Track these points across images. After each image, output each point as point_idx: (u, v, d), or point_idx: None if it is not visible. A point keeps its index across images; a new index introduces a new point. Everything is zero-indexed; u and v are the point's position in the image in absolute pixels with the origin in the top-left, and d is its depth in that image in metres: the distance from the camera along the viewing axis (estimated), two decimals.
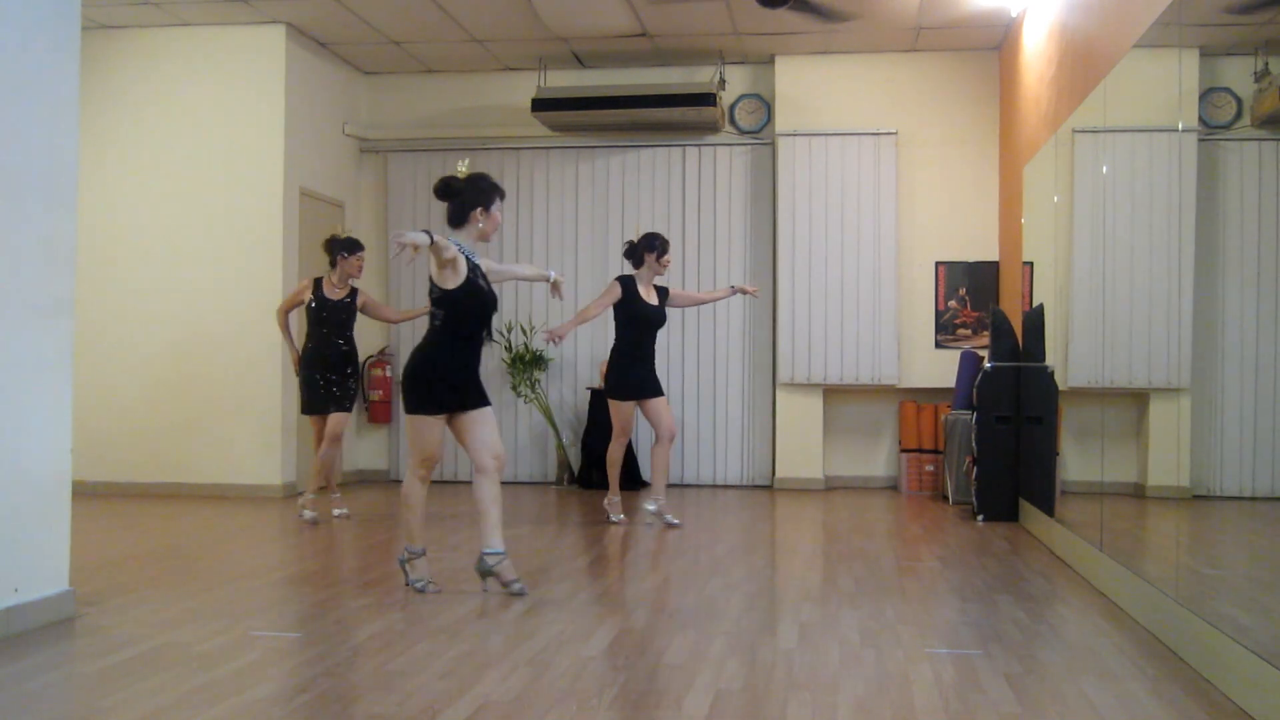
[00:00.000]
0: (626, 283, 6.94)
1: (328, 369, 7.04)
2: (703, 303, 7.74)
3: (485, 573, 4.82)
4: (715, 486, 9.21)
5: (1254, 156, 3.93)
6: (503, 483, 4.91)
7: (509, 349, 9.26)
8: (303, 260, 8.59)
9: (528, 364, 9.17)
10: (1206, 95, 4.07)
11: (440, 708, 3.27)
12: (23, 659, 3.82)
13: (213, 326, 8.42)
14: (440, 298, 4.78)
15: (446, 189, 4.84)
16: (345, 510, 7.24)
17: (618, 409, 7.08)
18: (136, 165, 8.58)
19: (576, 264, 9.46)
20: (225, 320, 8.39)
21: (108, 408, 8.39)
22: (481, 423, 4.84)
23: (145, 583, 5.12)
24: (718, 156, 9.34)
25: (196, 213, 8.48)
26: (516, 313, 9.48)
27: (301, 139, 8.68)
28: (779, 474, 9.09)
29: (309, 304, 7.05)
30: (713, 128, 9.20)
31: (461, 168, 4.89)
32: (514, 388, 9.28)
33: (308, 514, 7.03)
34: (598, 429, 8.99)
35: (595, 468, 8.98)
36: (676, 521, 7.03)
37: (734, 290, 7.37)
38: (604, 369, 7.24)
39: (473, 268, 4.80)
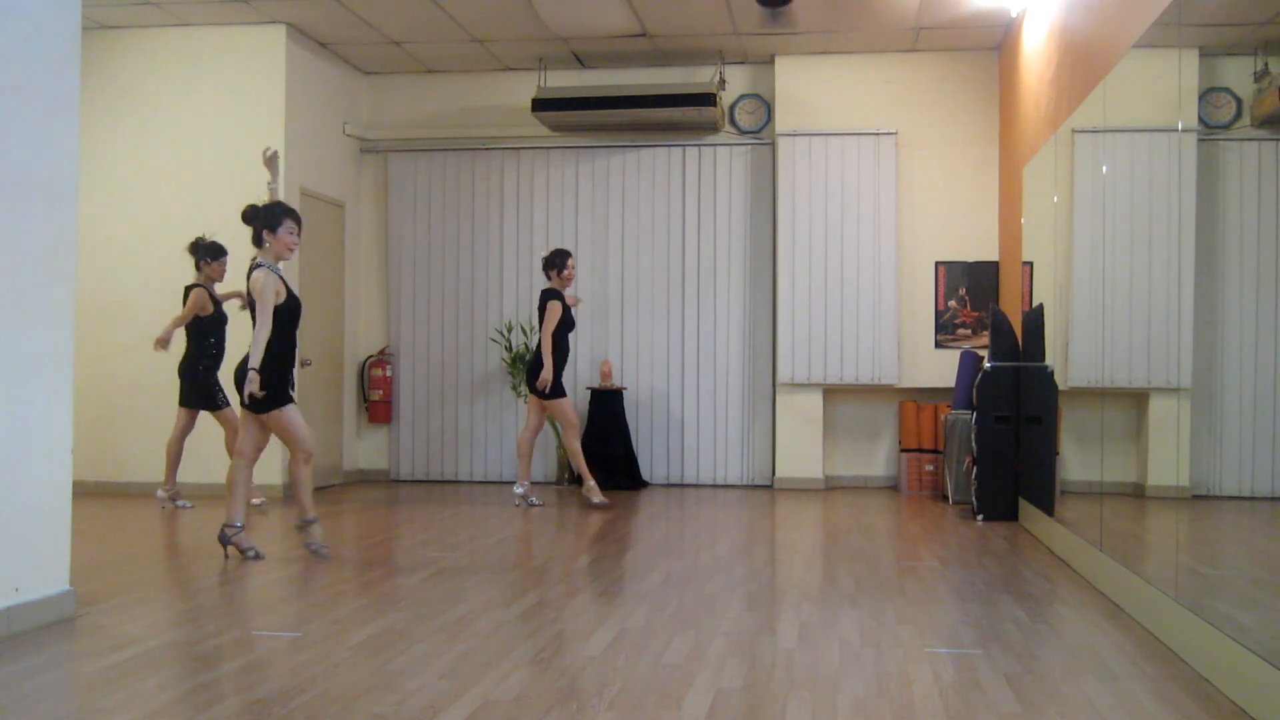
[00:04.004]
0: (558, 296, 7.62)
1: (216, 370, 7.52)
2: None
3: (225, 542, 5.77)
4: (715, 486, 9.22)
5: (1254, 156, 3.93)
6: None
7: (509, 349, 9.26)
8: (303, 261, 8.59)
9: (528, 364, 9.16)
10: (1206, 95, 4.07)
11: (440, 708, 3.27)
12: (23, 659, 3.82)
13: None
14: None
15: (246, 216, 5.70)
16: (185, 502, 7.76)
17: (566, 405, 7.69)
18: (137, 165, 8.58)
19: (576, 264, 9.44)
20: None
21: (108, 408, 8.39)
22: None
23: (145, 583, 5.13)
24: (718, 156, 9.34)
25: (197, 213, 8.46)
26: (517, 313, 9.49)
27: (301, 139, 8.68)
28: (779, 474, 9.09)
29: (212, 313, 7.46)
30: (713, 128, 9.20)
31: (266, 155, 5.93)
32: (514, 388, 9.29)
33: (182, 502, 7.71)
34: (598, 429, 9.00)
35: (595, 467, 8.97)
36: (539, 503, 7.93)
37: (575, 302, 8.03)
38: (546, 375, 7.59)
39: (287, 283, 5.63)
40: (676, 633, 4.20)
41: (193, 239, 7.52)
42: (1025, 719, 3.22)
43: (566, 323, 7.67)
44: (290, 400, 5.67)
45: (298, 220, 5.73)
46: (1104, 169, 5.55)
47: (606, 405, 9.02)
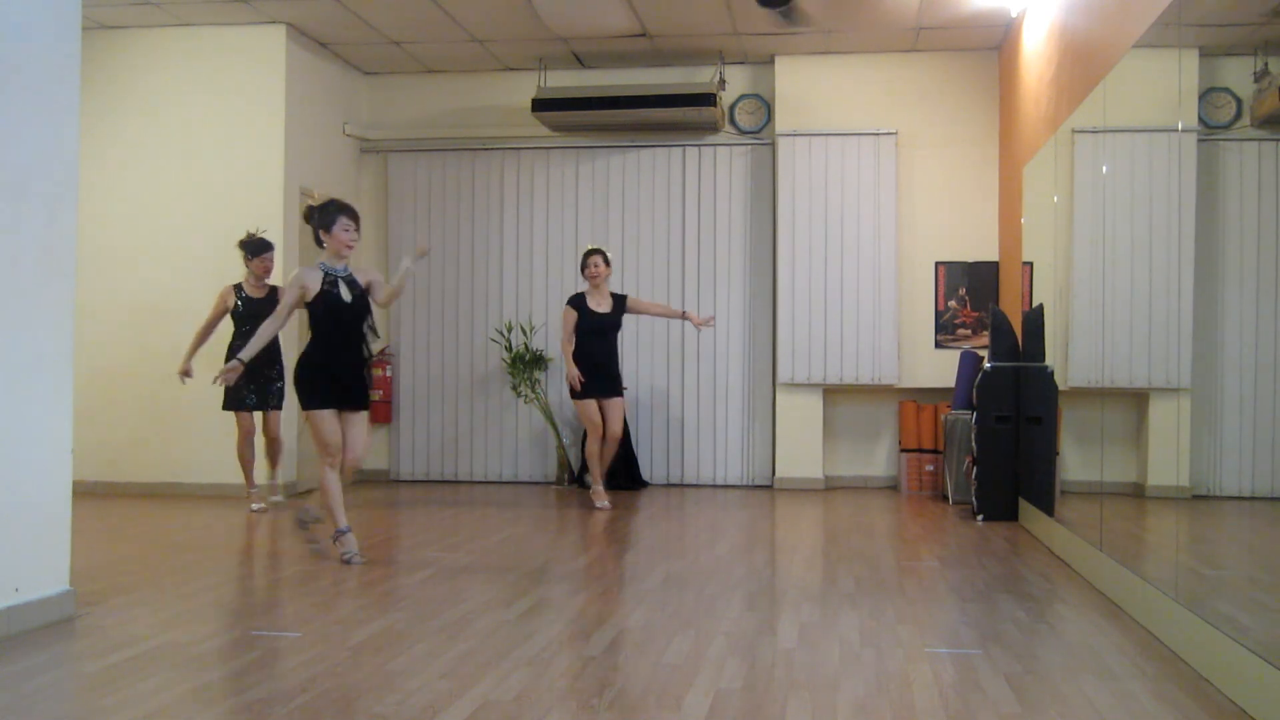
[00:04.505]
0: (573, 301, 7.74)
1: (264, 367, 7.41)
2: (654, 314, 8.29)
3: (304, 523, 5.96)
4: (715, 486, 9.21)
5: (1254, 156, 3.93)
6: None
7: (509, 349, 9.26)
8: (303, 260, 8.58)
9: (528, 364, 9.17)
10: (1206, 95, 4.07)
11: (440, 708, 3.27)
12: (23, 659, 3.82)
13: None
14: (307, 310, 5.61)
15: (304, 216, 5.77)
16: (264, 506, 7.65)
17: (586, 408, 7.72)
18: (137, 165, 8.58)
19: (577, 264, 9.46)
20: (225, 320, 8.37)
21: (107, 407, 8.40)
22: (353, 422, 5.67)
23: (145, 583, 5.13)
24: (718, 156, 9.34)
25: (196, 213, 8.48)
26: (517, 313, 9.48)
27: (301, 139, 8.68)
28: (779, 474, 9.09)
29: (235, 307, 7.47)
30: (713, 128, 9.20)
31: (316, 196, 5.85)
32: (514, 388, 9.28)
33: (255, 506, 7.59)
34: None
35: None
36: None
37: (683, 315, 8.00)
38: (569, 377, 7.71)
39: (331, 281, 5.59)
40: (676, 633, 4.20)
41: (244, 234, 7.60)
42: (1025, 719, 3.22)
43: (588, 326, 7.66)
44: (322, 405, 5.53)
45: (354, 216, 5.67)
46: (1104, 169, 5.55)
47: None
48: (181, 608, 4.63)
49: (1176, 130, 4.31)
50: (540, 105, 8.89)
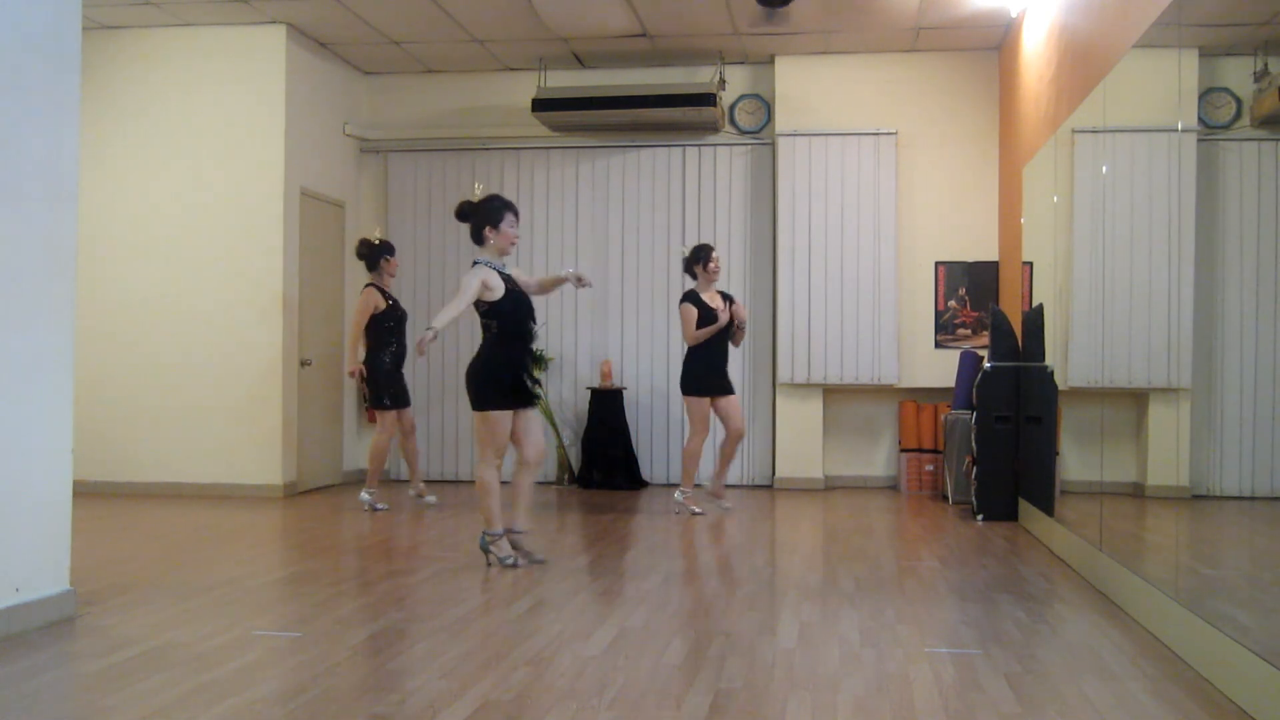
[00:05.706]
0: (694, 298, 7.46)
1: (400, 367, 7.78)
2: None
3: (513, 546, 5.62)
4: None
5: (1253, 156, 3.93)
6: (504, 482, 5.39)
7: None
8: (303, 260, 8.60)
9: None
10: (1206, 95, 4.07)
11: (440, 708, 3.27)
12: (23, 659, 3.82)
13: (213, 326, 8.43)
14: (488, 310, 5.45)
15: (462, 213, 5.55)
16: (433, 497, 8.03)
17: (699, 405, 7.47)
18: (137, 165, 8.58)
19: (577, 264, 9.46)
20: (225, 320, 8.40)
21: (108, 407, 8.39)
22: (531, 419, 5.58)
23: (145, 583, 5.13)
24: (718, 156, 9.34)
25: (197, 213, 8.48)
26: None
27: (301, 139, 8.68)
28: (779, 474, 9.09)
29: (381, 307, 7.62)
30: (713, 128, 9.20)
31: (477, 191, 5.58)
32: None
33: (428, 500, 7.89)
34: (598, 429, 9.00)
35: (595, 467, 8.99)
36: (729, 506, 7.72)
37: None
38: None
39: (505, 278, 5.48)
40: (676, 633, 4.20)
41: (365, 239, 7.69)
42: (1025, 719, 3.23)
43: (706, 323, 7.37)
44: (505, 405, 5.43)
45: (516, 213, 5.58)
46: (1104, 169, 5.55)
47: (606, 405, 9.02)
48: (181, 608, 4.64)
49: (1176, 130, 4.31)
50: (540, 105, 8.89)
